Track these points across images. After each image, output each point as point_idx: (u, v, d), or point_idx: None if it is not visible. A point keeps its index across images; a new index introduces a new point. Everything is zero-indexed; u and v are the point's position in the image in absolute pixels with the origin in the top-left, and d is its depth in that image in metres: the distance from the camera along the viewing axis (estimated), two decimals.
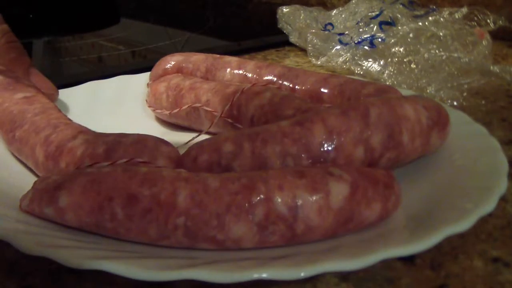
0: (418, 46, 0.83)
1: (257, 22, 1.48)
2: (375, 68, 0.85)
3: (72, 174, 0.40)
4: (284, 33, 1.08)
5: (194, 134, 0.61)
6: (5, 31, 0.64)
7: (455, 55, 0.80)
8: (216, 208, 0.36)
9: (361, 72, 0.87)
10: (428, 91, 0.76)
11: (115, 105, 0.70)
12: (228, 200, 0.36)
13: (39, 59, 1.05)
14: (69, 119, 0.53)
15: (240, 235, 0.36)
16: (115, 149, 0.45)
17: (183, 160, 0.46)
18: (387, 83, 0.79)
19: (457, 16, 0.89)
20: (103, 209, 0.37)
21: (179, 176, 0.38)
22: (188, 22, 1.42)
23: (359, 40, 0.92)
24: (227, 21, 1.47)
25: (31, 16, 1.32)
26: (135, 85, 0.73)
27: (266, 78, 0.66)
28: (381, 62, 0.85)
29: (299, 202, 0.37)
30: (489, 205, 0.38)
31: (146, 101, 0.70)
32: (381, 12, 0.94)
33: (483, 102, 0.75)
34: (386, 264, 0.40)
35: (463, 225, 0.36)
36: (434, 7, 0.97)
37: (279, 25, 1.09)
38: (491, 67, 0.80)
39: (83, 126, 0.51)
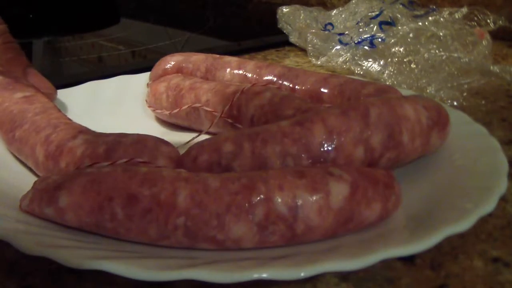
0: (418, 46, 0.83)
1: (257, 22, 1.47)
2: (375, 68, 0.85)
3: (72, 174, 0.40)
4: (284, 33, 1.08)
5: (194, 134, 0.61)
6: (3, 32, 0.64)
7: (455, 55, 0.80)
8: (216, 208, 0.36)
9: (361, 72, 0.87)
10: (428, 91, 0.76)
11: (115, 105, 0.70)
12: (228, 200, 0.36)
13: (39, 59, 1.05)
14: (69, 119, 0.53)
15: (240, 235, 0.36)
16: (115, 149, 0.45)
17: (183, 160, 0.46)
18: (387, 83, 0.79)
19: (457, 16, 0.89)
20: (103, 209, 0.37)
21: (179, 176, 0.38)
22: (188, 22, 1.42)
23: (359, 40, 0.92)
24: (227, 21, 1.46)
25: (31, 16, 1.32)
26: (135, 85, 0.73)
27: (266, 78, 0.66)
28: (381, 62, 0.85)
29: (299, 202, 0.37)
30: (489, 205, 0.38)
31: (146, 101, 0.70)
32: (381, 12, 0.94)
33: (483, 102, 0.75)
34: (386, 264, 0.40)
35: (463, 225, 0.36)
36: (434, 7, 0.97)
37: (279, 25, 1.09)
38: (491, 67, 0.80)
39: (83, 126, 0.51)
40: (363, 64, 0.87)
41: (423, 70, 0.79)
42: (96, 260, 0.33)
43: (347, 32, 0.96)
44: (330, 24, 1.02)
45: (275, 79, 0.65)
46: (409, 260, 0.40)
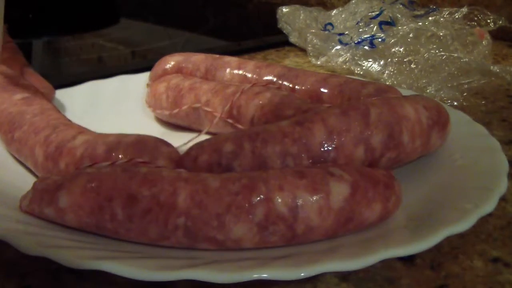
0: (418, 46, 0.83)
1: (257, 22, 1.47)
2: (375, 68, 0.85)
3: (72, 174, 0.40)
4: (284, 33, 1.08)
5: (194, 134, 0.61)
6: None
7: (455, 55, 0.80)
8: (216, 208, 0.36)
9: (361, 72, 0.87)
10: (428, 91, 0.76)
11: (115, 105, 0.70)
12: (228, 200, 0.36)
13: (39, 59, 1.05)
14: (69, 120, 0.53)
15: (240, 235, 0.36)
16: (115, 149, 0.45)
17: (183, 160, 0.46)
18: (387, 83, 0.79)
19: (457, 16, 0.89)
20: (103, 210, 0.37)
21: (179, 177, 0.38)
22: (188, 22, 1.42)
23: (359, 40, 0.92)
24: (227, 21, 1.47)
25: (30, 16, 1.31)
26: (135, 85, 0.73)
27: (266, 78, 0.66)
28: (381, 62, 0.85)
29: (300, 202, 0.37)
30: (489, 205, 0.38)
31: (146, 101, 0.70)
32: (381, 12, 0.94)
33: (483, 102, 0.75)
34: (386, 264, 0.40)
35: (463, 225, 0.36)
36: (434, 7, 0.97)
37: (279, 25, 1.09)
38: (491, 67, 0.80)
39: (83, 127, 0.51)
40: (363, 64, 0.87)
41: (423, 70, 0.79)
42: (96, 260, 0.33)
43: (347, 32, 0.96)
44: (330, 24, 1.01)
45: (275, 79, 0.65)
46: (409, 260, 0.40)
